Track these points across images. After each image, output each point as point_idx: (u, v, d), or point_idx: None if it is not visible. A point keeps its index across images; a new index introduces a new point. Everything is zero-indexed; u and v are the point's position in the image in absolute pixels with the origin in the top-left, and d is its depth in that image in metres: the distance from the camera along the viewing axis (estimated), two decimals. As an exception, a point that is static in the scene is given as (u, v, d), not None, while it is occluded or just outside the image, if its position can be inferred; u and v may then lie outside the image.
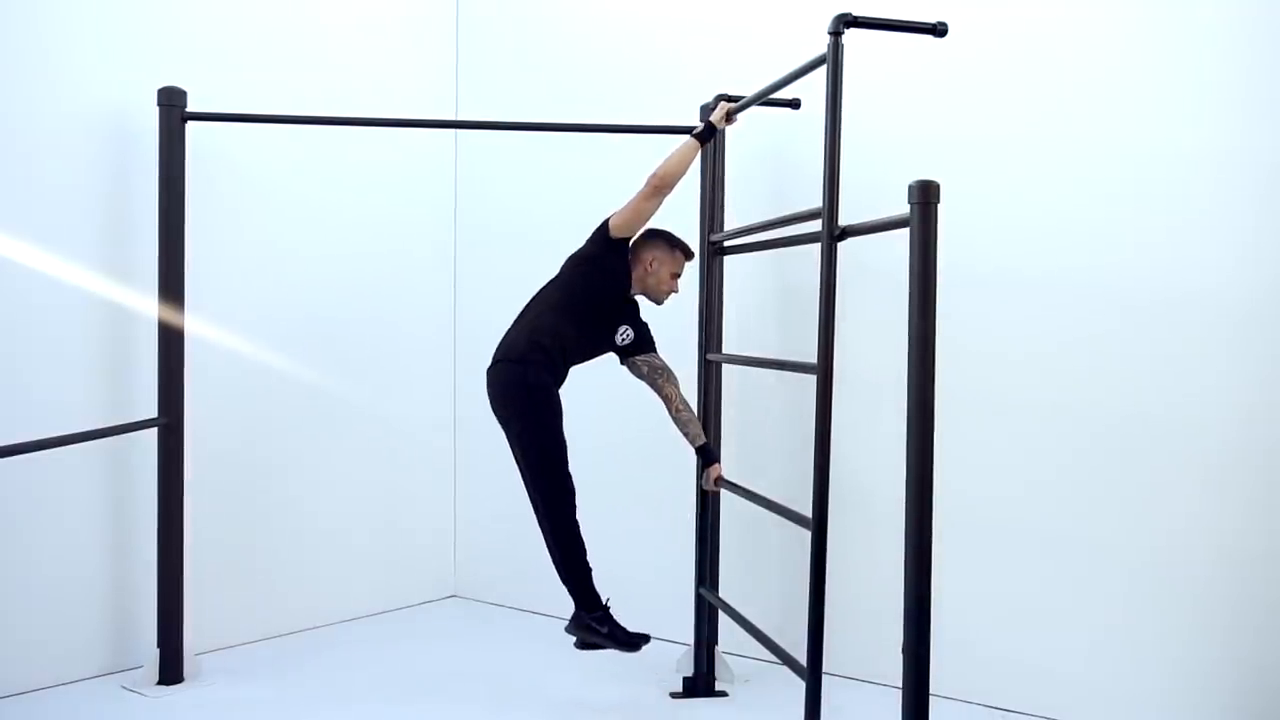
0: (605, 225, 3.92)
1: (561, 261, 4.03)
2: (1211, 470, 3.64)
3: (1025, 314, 3.99)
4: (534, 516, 3.89)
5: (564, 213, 5.28)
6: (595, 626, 3.85)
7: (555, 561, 3.89)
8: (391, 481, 5.44)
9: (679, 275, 4.01)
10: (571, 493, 3.84)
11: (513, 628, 5.18)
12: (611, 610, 3.90)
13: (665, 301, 4.03)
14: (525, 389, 3.82)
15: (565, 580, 3.90)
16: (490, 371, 3.91)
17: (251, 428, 4.81)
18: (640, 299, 4.07)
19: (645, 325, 4.05)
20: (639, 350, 4.01)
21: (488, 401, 3.90)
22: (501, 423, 3.90)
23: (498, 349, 3.93)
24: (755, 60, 4.38)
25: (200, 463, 4.42)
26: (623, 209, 3.87)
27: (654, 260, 3.95)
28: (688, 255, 4.03)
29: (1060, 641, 3.92)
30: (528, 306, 3.97)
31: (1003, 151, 4.03)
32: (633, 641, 3.86)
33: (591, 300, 3.93)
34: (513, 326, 3.95)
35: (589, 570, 3.88)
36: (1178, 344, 3.70)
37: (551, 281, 4.00)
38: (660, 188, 3.80)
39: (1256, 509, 3.57)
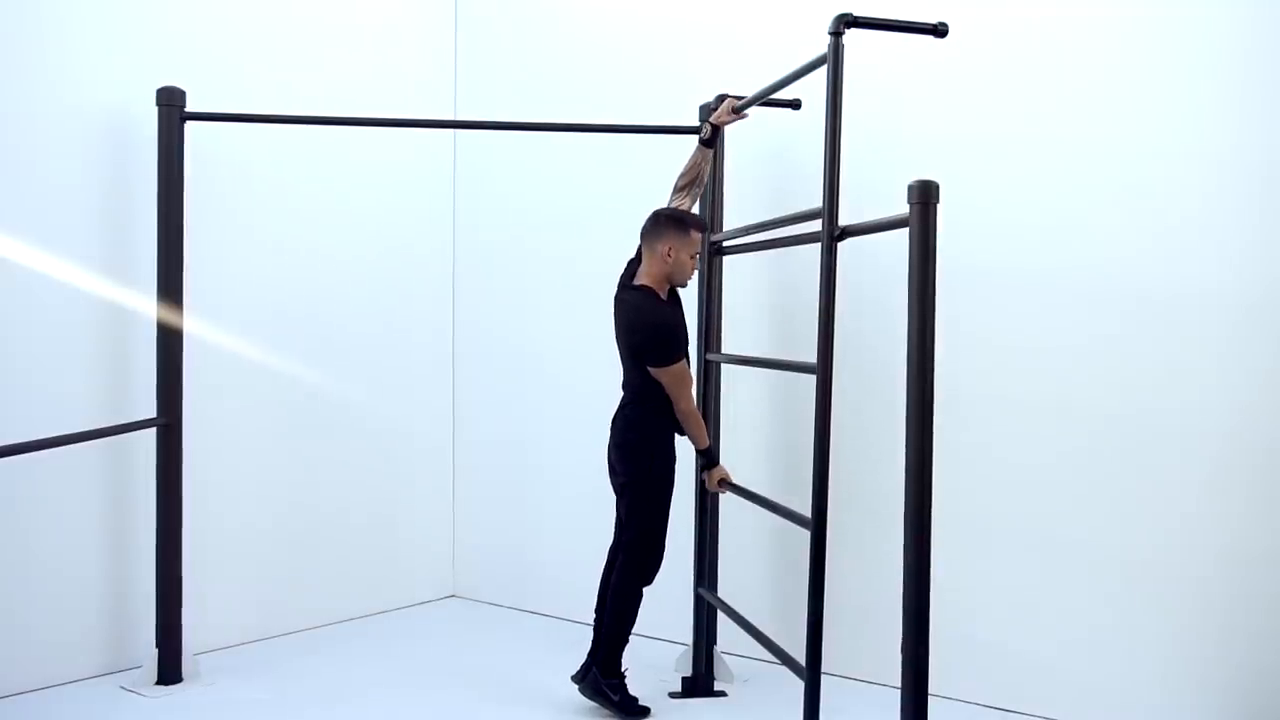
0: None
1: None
2: (1211, 470, 3.64)
3: (1025, 314, 3.99)
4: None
5: (563, 213, 5.31)
6: (609, 694, 3.92)
7: (607, 623, 3.95)
8: (391, 481, 5.44)
9: (698, 254, 3.97)
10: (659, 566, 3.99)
11: (513, 628, 5.18)
12: (628, 679, 3.97)
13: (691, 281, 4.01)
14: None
15: (603, 642, 3.94)
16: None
17: (251, 428, 4.80)
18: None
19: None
20: None
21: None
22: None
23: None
24: (755, 61, 4.39)
25: (200, 463, 4.42)
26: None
27: (670, 249, 3.87)
28: (701, 229, 4.00)
29: (1060, 641, 3.91)
30: None
31: (1003, 151, 4.03)
32: (636, 712, 3.93)
33: None
34: None
35: (627, 641, 3.96)
36: (1177, 343, 3.70)
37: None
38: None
39: (1256, 509, 3.57)
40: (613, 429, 4.00)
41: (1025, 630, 3.98)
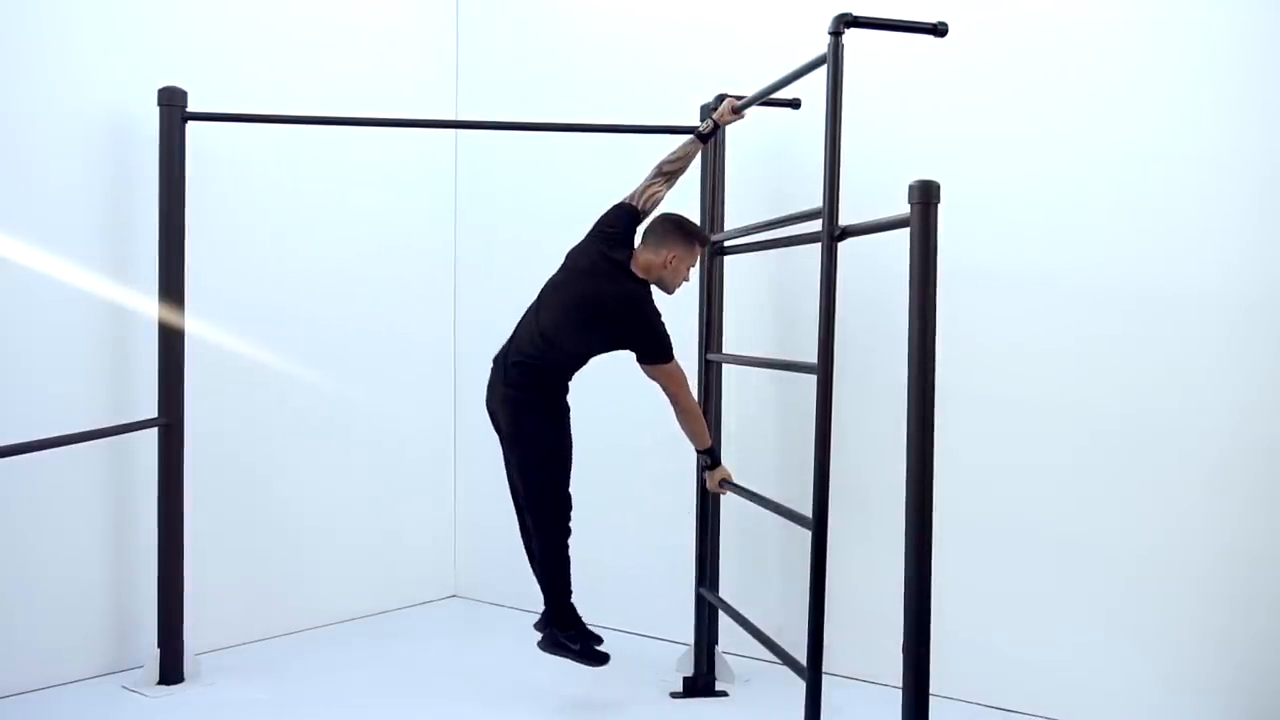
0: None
1: (562, 260, 4.00)
2: (1211, 470, 3.64)
3: (1025, 313, 3.99)
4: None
5: (564, 213, 5.28)
6: (567, 644, 3.94)
7: (546, 583, 3.96)
8: (391, 481, 5.44)
9: (693, 268, 3.97)
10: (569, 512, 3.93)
11: (513, 628, 5.17)
12: (585, 624, 3.97)
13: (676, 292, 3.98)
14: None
15: (548, 599, 3.95)
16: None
17: (251, 428, 4.81)
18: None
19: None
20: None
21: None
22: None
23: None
24: (755, 60, 4.38)
25: (200, 463, 4.42)
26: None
27: (673, 257, 3.84)
28: (705, 244, 4.01)
29: (1060, 641, 3.92)
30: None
31: (1003, 151, 4.03)
32: (596, 658, 3.94)
33: None
34: None
35: (570, 590, 3.96)
36: (1177, 343, 3.70)
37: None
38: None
39: (1256, 509, 3.57)
40: (506, 379, 3.92)
41: (1025, 630, 3.99)
